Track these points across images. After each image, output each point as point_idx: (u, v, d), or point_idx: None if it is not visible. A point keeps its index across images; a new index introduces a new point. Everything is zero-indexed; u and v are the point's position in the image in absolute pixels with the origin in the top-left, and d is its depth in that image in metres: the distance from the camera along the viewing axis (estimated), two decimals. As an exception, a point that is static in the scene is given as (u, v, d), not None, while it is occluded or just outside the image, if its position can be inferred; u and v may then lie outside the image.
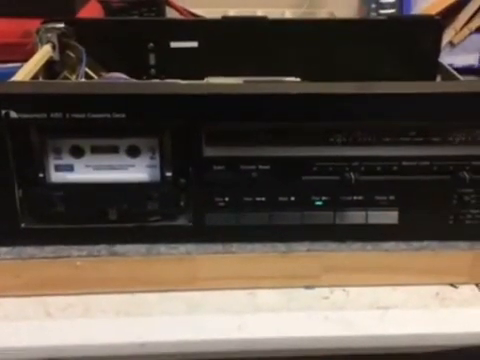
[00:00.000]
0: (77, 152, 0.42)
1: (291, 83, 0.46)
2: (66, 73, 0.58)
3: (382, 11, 0.81)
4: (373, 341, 0.41)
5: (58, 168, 0.42)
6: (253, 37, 0.60)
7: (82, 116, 0.39)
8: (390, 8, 0.82)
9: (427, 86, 0.43)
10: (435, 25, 0.60)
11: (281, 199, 0.43)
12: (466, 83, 0.51)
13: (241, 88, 0.41)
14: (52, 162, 0.42)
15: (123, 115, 0.39)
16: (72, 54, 0.59)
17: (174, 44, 0.62)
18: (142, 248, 0.44)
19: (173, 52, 0.61)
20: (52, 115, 0.38)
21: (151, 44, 0.62)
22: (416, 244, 0.44)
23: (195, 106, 0.40)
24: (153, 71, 0.62)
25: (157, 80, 0.58)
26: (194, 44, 0.62)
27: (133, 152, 0.42)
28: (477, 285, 0.44)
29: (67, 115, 0.38)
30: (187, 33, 0.61)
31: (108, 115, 0.39)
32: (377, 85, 0.42)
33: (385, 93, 0.40)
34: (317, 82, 0.42)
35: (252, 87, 0.41)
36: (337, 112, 0.40)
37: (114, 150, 0.42)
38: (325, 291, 0.44)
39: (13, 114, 0.38)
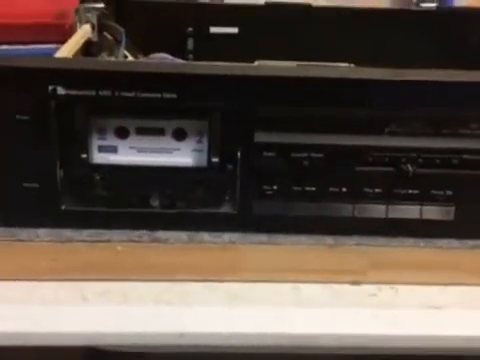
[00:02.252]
0: (122, 133, 0.40)
1: (346, 68, 0.44)
2: (104, 55, 0.57)
3: (423, 4, 0.79)
4: (424, 341, 0.40)
5: (102, 149, 0.41)
6: (295, 25, 0.58)
7: (132, 95, 0.37)
8: (431, 1, 0.80)
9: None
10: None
11: (332, 190, 0.41)
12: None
13: (296, 71, 0.39)
14: (96, 142, 0.40)
15: (174, 95, 0.37)
16: (109, 36, 0.58)
17: (214, 29, 0.60)
18: (184, 235, 0.42)
19: (212, 37, 0.60)
20: (101, 92, 0.37)
21: (190, 28, 0.60)
22: (471, 242, 0.42)
23: (248, 88, 0.38)
24: (191, 56, 0.61)
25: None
26: (234, 30, 0.60)
27: (179, 135, 0.41)
28: None
29: (116, 93, 0.37)
30: (228, 19, 0.60)
31: (158, 95, 0.37)
32: (437, 73, 0.40)
33: (446, 81, 0.38)
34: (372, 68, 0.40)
35: (307, 70, 0.39)
36: (396, 100, 0.38)
37: (160, 132, 0.40)
38: (372, 288, 0.42)
39: (61, 90, 0.37)
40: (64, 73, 0.37)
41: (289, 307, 0.41)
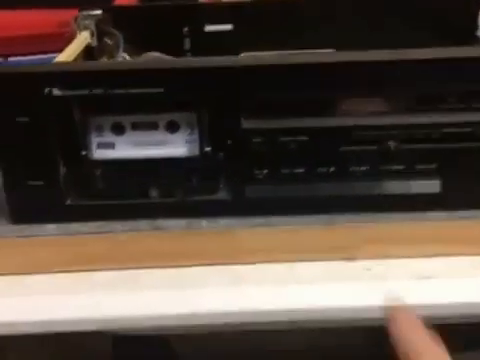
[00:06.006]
0: (118, 129, 0.43)
1: (326, 53, 0.46)
2: (104, 59, 0.59)
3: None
4: (416, 310, 0.41)
5: (100, 145, 0.43)
6: (287, 17, 0.60)
7: (122, 92, 0.39)
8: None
9: (466, 51, 0.42)
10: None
11: (320, 170, 0.43)
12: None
13: (277, 59, 0.41)
14: (94, 140, 0.43)
15: (161, 89, 0.39)
16: (109, 41, 0.60)
17: (208, 27, 0.62)
18: (183, 222, 0.44)
19: (208, 36, 0.62)
20: (94, 91, 0.39)
21: (186, 28, 0.63)
22: (459, 213, 0.43)
23: (231, 78, 0.40)
24: (189, 55, 0.63)
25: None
26: (228, 27, 0.62)
27: (172, 127, 0.43)
28: (522, 254, 0.44)
29: (108, 91, 0.39)
30: (221, 16, 0.62)
31: (147, 90, 0.39)
32: (413, 52, 0.41)
33: (422, 59, 0.40)
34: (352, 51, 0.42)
35: (288, 58, 0.41)
36: (374, 80, 0.40)
37: (154, 126, 0.43)
38: (367, 263, 0.44)
39: (56, 91, 0.39)
40: (58, 75, 0.39)
41: (288, 285, 0.43)
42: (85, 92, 0.39)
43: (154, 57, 0.50)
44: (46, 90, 0.39)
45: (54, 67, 0.40)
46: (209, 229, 0.44)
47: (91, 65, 0.41)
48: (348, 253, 0.44)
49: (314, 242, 0.44)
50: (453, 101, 0.41)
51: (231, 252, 0.44)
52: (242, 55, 0.51)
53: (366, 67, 0.40)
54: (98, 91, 0.39)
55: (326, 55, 0.42)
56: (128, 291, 0.43)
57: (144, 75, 0.39)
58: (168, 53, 0.60)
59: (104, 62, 0.45)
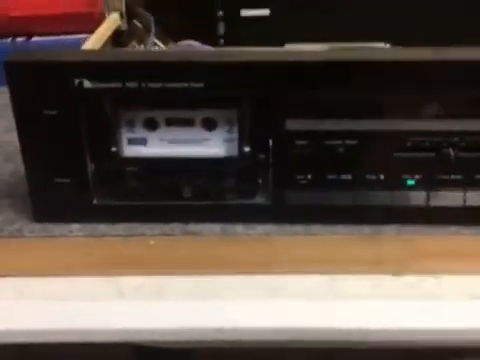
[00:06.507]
0: (151, 125, 0.40)
1: (380, 49, 0.42)
2: (134, 43, 0.56)
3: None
4: (469, 334, 0.38)
5: (131, 141, 0.40)
6: (328, 2, 0.56)
7: (158, 86, 0.36)
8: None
9: None
10: None
11: (369, 177, 0.39)
12: None
13: (326, 55, 0.37)
14: (125, 135, 0.40)
15: (201, 84, 0.36)
16: (139, 24, 0.57)
17: (245, 12, 0.59)
18: (217, 227, 0.41)
19: (243, 21, 0.59)
20: (128, 84, 0.36)
21: (220, 12, 0.59)
22: (519, 229, 0.40)
23: (277, 74, 0.37)
24: (222, 41, 0.60)
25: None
26: (265, 12, 0.58)
27: (209, 125, 0.40)
28: None
29: (143, 84, 0.36)
30: (258, 1, 0.58)
31: (186, 84, 0.36)
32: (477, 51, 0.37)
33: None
34: (408, 47, 0.38)
35: (338, 54, 0.37)
36: (435, 81, 0.36)
37: (189, 123, 0.40)
38: (414, 279, 0.41)
39: (87, 83, 0.36)
40: (90, 66, 0.36)
41: (327, 300, 0.40)
42: (118, 85, 0.36)
43: (189, 45, 0.47)
44: (76, 82, 0.36)
45: (85, 56, 0.37)
46: (244, 235, 0.41)
47: (126, 56, 0.37)
48: (395, 268, 0.41)
49: (358, 254, 0.41)
50: (522, 107, 0.37)
51: (267, 262, 0.41)
52: (287, 47, 0.47)
53: (425, 66, 0.36)
54: (132, 84, 0.36)
55: (380, 52, 0.39)
56: (154, 301, 0.40)
57: (184, 68, 0.36)
58: (201, 39, 0.56)
59: (140, 52, 0.42)
